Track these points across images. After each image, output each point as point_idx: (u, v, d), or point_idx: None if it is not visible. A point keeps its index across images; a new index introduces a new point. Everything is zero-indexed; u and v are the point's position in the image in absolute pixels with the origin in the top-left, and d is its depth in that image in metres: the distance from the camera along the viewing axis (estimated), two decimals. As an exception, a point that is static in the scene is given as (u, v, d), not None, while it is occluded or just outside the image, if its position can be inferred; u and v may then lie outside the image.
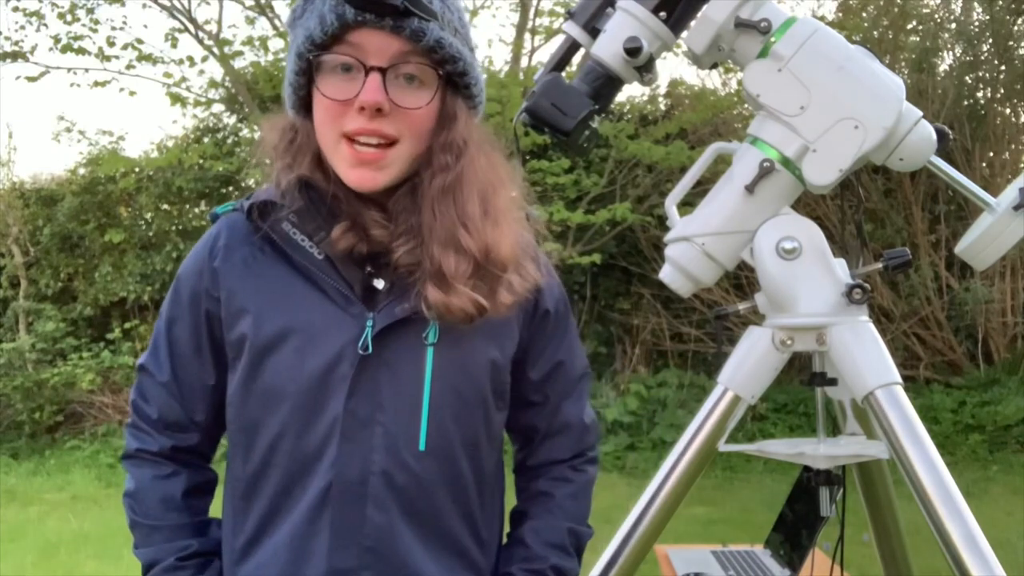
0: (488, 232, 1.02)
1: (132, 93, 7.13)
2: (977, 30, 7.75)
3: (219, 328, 1.06)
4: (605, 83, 1.10)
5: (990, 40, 7.63)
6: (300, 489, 1.01)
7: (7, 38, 6.94)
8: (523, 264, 1.07)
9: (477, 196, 1.03)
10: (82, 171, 8.35)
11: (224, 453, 1.13)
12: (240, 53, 6.96)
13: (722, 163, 1.17)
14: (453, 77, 1.03)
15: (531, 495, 1.16)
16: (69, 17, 6.67)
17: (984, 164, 7.36)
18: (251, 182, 8.13)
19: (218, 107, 8.17)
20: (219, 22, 8.65)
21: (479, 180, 1.04)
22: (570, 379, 1.17)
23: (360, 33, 0.96)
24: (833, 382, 1.11)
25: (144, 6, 6.93)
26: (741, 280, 6.65)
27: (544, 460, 1.16)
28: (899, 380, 1.01)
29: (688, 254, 1.09)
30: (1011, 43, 7.54)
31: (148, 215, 8.33)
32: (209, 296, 1.06)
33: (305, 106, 1.04)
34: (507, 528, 1.19)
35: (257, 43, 6.88)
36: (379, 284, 1.03)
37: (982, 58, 7.72)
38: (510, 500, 1.21)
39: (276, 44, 6.82)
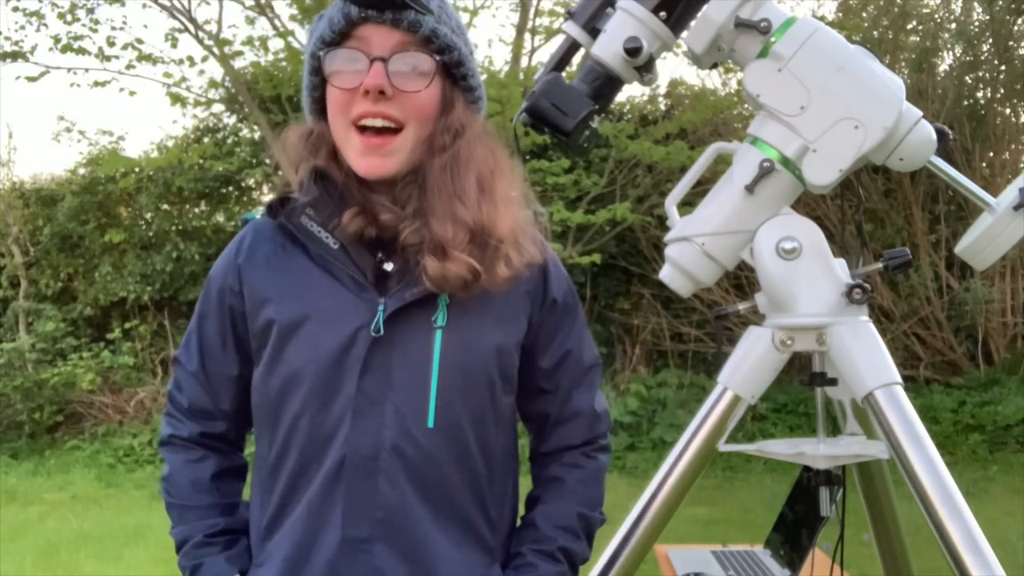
0: (484, 209, 1.09)
1: (132, 93, 7.11)
2: (977, 30, 7.74)
3: (242, 323, 1.15)
4: (605, 83, 1.10)
5: (990, 40, 7.63)
6: (317, 465, 1.07)
7: (7, 38, 6.94)
8: (522, 244, 1.12)
9: (474, 176, 1.10)
10: (82, 171, 8.34)
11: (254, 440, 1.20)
12: (240, 53, 6.94)
13: (722, 163, 1.17)
14: (450, 68, 1.11)
15: (543, 481, 1.20)
16: (69, 17, 6.65)
17: (984, 164, 7.35)
18: (251, 182, 8.14)
19: (218, 107, 8.17)
20: (219, 22, 8.65)
21: (476, 162, 1.11)
22: (580, 368, 1.21)
23: (364, 29, 1.06)
24: (833, 382, 1.11)
25: (144, 6, 6.93)
26: (741, 280, 6.65)
27: (556, 446, 1.20)
28: (899, 380, 1.01)
29: (688, 254, 1.09)
30: (1011, 43, 7.54)
31: (148, 215, 8.33)
32: (232, 292, 1.15)
33: (321, 109, 1.13)
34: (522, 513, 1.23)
35: (257, 43, 6.86)
36: (389, 267, 1.10)
37: (982, 58, 7.72)
38: (526, 489, 1.24)
39: (276, 44, 6.82)
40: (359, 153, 1.07)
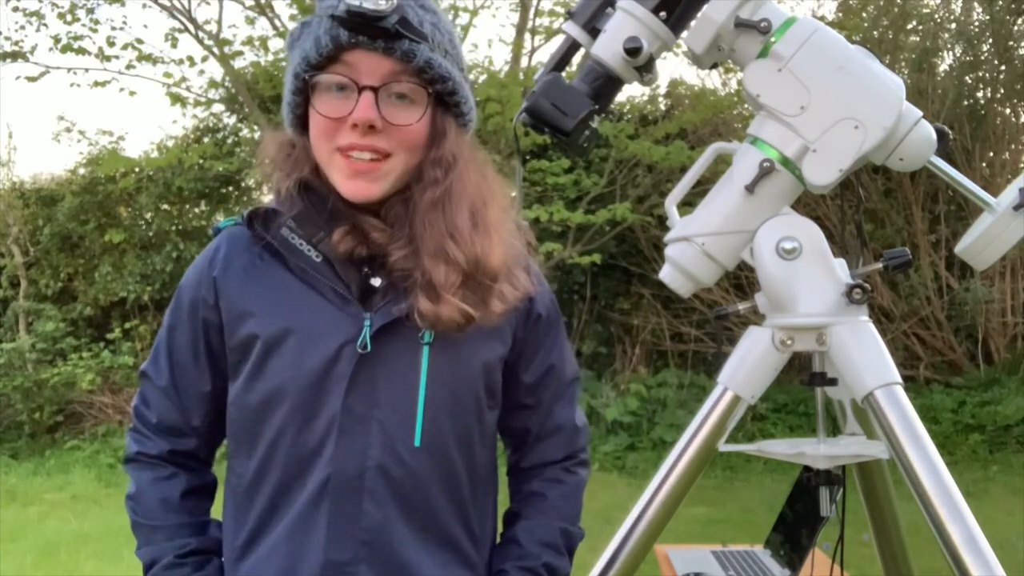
0: (477, 244, 1.06)
1: (132, 93, 7.14)
2: (977, 30, 7.75)
3: (216, 337, 1.10)
4: (605, 83, 1.10)
5: (990, 40, 7.63)
6: (299, 485, 1.04)
7: (7, 38, 6.95)
8: (515, 274, 1.11)
9: (467, 209, 1.07)
10: (82, 171, 8.35)
11: (224, 455, 1.15)
12: (240, 53, 6.96)
13: (722, 163, 1.17)
14: (443, 96, 1.07)
15: (524, 496, 1.19)
16: (69, 17, 6.66)
17: (984, 164, 7.35)
18: (251, 182, 8.14)
19: (218, 107, 8.17)
20: (219, 22, 8.66)
21: (469, 194, 1.08)
22: (562, 383, 1.20)
23: (354, 54, 1.01)
24: (833, 382, 1.11)
25: (144, 6, 6.95)
26: (741, 280, 6.65)
27: (537, 462, 1.19)
28: (899, 380, 1.01)
29: (688, 254, 1.10)
30: (1011, 43, 7.54)
31: (148, 215, 8.33)
32: (207, 305, 1.10)
33: (302, 124, 1.09)
34: (500, 529, 1.21)
35: (257, 43, 6.88)
36: (376, 282, 1.07)
37: (982, 58, 7.72)
38: (503, 503, 1.22)
39: (276, 44, 6.82)
40: (345, 176, 1.03)
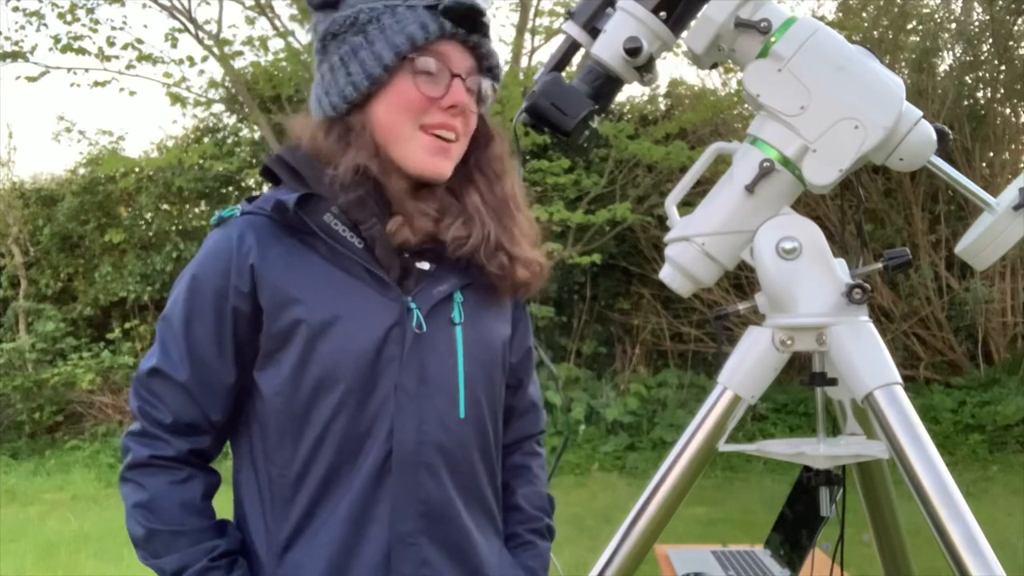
0: (526, 212, 1.19)
1: (132, 93, 7.14)
2: (977, 30, 7.74)
3: (246, 326, 1.08)
4: (605, 83, 1.10)
5: (990, 40, 7.63)
6: (351, 466, 1.07)
7: (7, 38, 6.96)
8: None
9: (509, 183, 1.19)
10: (82, 171, 8.35)
11: (224, 453, 1.14)
12: (240, 53, 6.95)
13: (722, 163, 1.17)
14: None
15: (510, 468, 1.27)
16: (69, 17, 6.65)
17: (984, 164, 7.35)
18: (251, 182, 8.15)
19: (218, 107, 8.18)
20: (219, 22, 8.64)
21: (508, 173, 1.20)
22: (532, 362, 1.30)
23: (445, 44, 1.09)
24: (833, 382, 1.11)
25: (144, 6, 6.92)
26: (741, 280, 6.64)
27: (518, 436, 1.28)
28: (899, 380, 1.01)
29: (688, 254, 1.10)
30: (1011, 43, 7.54)
31: (148, 215, 8.33)
32: (239, 293, 1.07)
33: (362, 102, 1.12)
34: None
35: (257, 43, 6.87)
36: (424, 266, 1.13)
37: (982, 58, 7.72)
38: None
39: (276, 44, 6.82)
40: (429, 153, 1.09)
